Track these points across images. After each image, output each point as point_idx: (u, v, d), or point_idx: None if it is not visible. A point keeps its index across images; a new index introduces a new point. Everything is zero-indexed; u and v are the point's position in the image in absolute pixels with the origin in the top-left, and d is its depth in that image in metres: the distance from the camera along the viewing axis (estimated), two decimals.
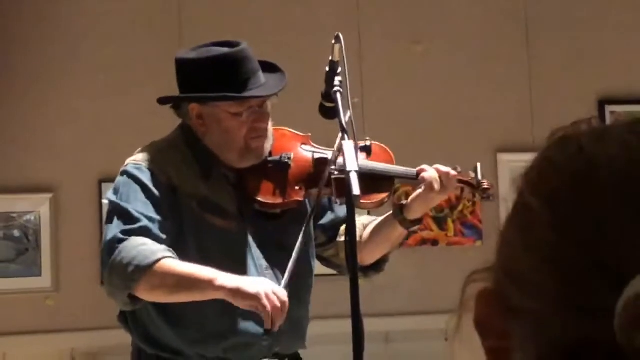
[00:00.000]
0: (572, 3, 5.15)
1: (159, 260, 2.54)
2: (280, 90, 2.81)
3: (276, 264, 2.77)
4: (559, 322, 0.73)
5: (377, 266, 2.98)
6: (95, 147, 4.67)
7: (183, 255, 2.62)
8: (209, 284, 2.53)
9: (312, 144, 2.93)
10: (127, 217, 2.64)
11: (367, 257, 2.91)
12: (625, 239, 0.72)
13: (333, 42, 2.72)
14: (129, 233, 2.61)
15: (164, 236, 2.64)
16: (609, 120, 5.02)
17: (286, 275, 2.62)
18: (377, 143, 2.95)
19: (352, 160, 2.52)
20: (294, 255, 2.63)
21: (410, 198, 2.84)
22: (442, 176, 2.79)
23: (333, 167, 2.75)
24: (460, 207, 4.92)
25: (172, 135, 2.89)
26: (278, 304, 2.50)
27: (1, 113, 4.65)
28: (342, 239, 2.92)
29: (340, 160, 2.65)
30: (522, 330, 0.76)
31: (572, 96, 4.96)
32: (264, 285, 2.54)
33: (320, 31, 4.33)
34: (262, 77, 2.79)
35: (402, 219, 2.82)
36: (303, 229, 2.68)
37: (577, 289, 0.72)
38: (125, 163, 2.78)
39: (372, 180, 2.80)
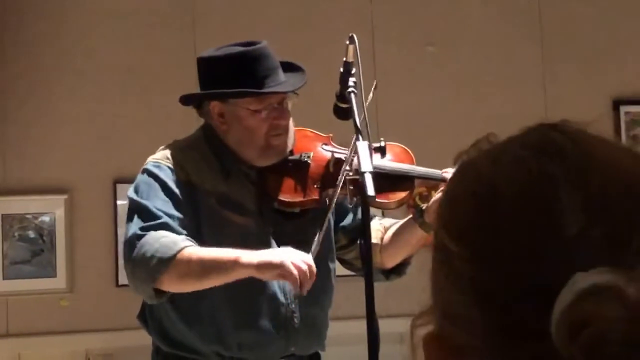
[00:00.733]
0: (587, 3, 5.14)
1: (181, 249, 2.56)
2: (299, 88, 2.83)
3: None
4: (502, 354, 0.72)
5: (400, 269, 2.98)
6: (110, 148, 4.68)
7: None
8: (234, 264, 2.54)
9: (333, 144, 2.95)
10: (146, 214, 2.66)
11: (388, 260, 2.91)
12: (541, 256, 0.72)
13: (347, 42, 2.73)
14: (148, 229, 2.63)
15: (183, 232, 2.65)
16: (623, 121, 5.01)
17: (313, 247, 2.62)
18: (397, 144, 2.95)
19: (367, 161, 2.53)
20: (321, 231, 2.65)
21: (431, 201, 2.85)
22: None
23: (348, 168, 2.76)
24: None
25: (193, 134, 2.92)
26: (304, 267, 2.51)
27: (17, 114, 4.67)
28: None
29: (355, 160, 2.66)
30: None
31: (587, 97, 4.95)
32: (287, 254, 2.55)
33: (334, 32, 4.33)
34: (281, 75, 2.81)
35: (422, 222, 2.83)
36: (327, 216, 2.70)
37: (508, 318, 0.72)
38: (146, 161, 2.80)
39: (390, 180, 2.81)
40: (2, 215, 4.61)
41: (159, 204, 2.68)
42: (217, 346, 2.74)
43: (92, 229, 4.65)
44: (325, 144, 2.94)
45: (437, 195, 2.83)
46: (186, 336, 2.76)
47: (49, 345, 4.55)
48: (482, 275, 0.74)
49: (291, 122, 2.85)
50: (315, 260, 2.65)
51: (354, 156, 2.69)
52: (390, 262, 2.93)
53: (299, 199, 2.83)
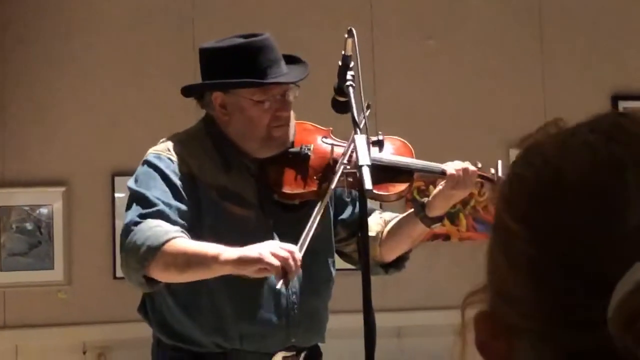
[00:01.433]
0: None
1: (170, 239, 2.55)
2: (303, 79, 2.83)
3: None
4: (553, 338, 0.72)
5: (399, 263, 2.99)
6: (108, 141, 4.68)
7: None
8: (214, 261, 2.52)
9: (333, 137, 2.95)
10: (144, 202, 2.67)
11: (387, 254, 2.92)
12: (601, 243, 0.71)
13: (346, 36, 2.72)
14: (145, 217, 2.63)
15: (181, 222, 2.65)
16: None
17: (300, 240, 2.58)
18: (396, 137, 2.96)
19: (365, 155, 2.52)
20: (308, 225, 2.61)
21: (432, 195, 2.85)
22: (462, 171, 2.80)
23: (346, 161, 2.76)
24: (472, 203, 4.91)
25: (194, 127, 2.92)
26: (285, 255, 2.46)
27: (15, 107, 4.67)
28: None
29: (352, 154, 2.66)
30: (522, 348, 0.76)
31: (586, 92, 4.95)
32: (265, 246, 2.51)
33: (333, 25, 4.32)
34: (284, 66, 2.82)
35: (423, 216, 2.84)
36: (318, 205, 2.68)
37: (562, 303, 0.72)
38: (147, 153, 2.81)
39: (390, 172, 2.82)
40: (0, 207, 4.61)
41: (158, 193, 2.68)
42: (218, 337, 2.75)
43: (90, 221, 4.65)
44: (325, 137, 2.94)
45: (437, 189, 2.84)
46: (187, 328, 2.76)
47: (46, 337, 4.56)
48: (542, 257, 0.74)
49: (292, 114, 2.85)
50: (315, 251, 2.64)
51: (352, 149, 2.69)
52: (390, 256, 2.94)
53: (298, 190, 2.83)
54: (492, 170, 2.88)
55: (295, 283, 2.75)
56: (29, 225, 4.62)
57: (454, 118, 4.92)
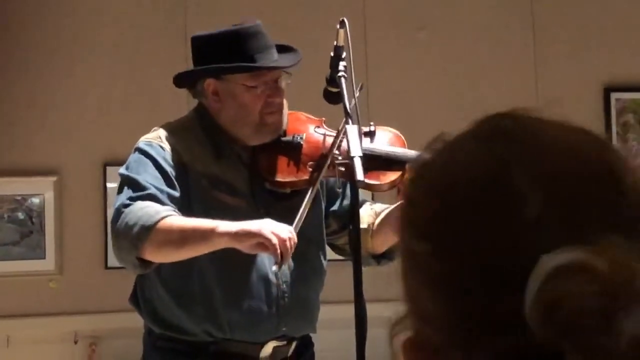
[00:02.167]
0: None
1: (163, 218, 2.56)
2: (295, 64, 2.83)
3: None
4: (478, 346, 0.72)
5: (391, 254, 2.99)
6: (100, 130, 4.67)
7: None
8: (211, 233, 2.53)
9: (325, 127, 2.95)
10: (135, 185, 2.67)
11: (379, 245, 2.92)
12: (503, 241, 0.71)
13: (338, 27, 2.72)
14: (135, 199, 2.63)
15: (171, 205, 2.65)
16: (614, 107, 5.02)
17: (295, 221, 2.59)
18: (388, 128, 2.96)
19: (356, 145, 2.53)
20: (300, 210, 2.62)
21: None
22: None
23: (337, 151, 2.76)
24: None
25: (186, 116, 2.93)
26: (285, 236, 2.49)
27: (6, 95, 4.65)
28: None
29: (344, 144, 2.66)
30: None
31: (578, 83, 4.95)
32: (267, 223, 2.53)
33: (326, 16, 4.32)
34: (275, 53, 2.82)
35: None
36: (310, 190, 2.69)
37: (478, 311, 0.71)
38: (138, 141, 2.81)
39: (382, 162, 2.82)
40: None
41: (149, 178, 2.68)
42: (208, 326, 2.75)
43: (82, 211, 4.64)
44: (318, 127, 2.95)
45: None
46: (177, 317, 2.76)
47: (37, 327, 4.55)
48: (447, 268, 0.74)
49: (285, 103, 2.85)
50: (306, 239, 2.65)
51: (343, 139, 2.69)
52: (382, 247, 2.94)
53: (290, 179, 2.83)
54: None
55: (285, 272, 2.76)
56: (20, 215, 4.62)
57: (446, 108, 4.91)
